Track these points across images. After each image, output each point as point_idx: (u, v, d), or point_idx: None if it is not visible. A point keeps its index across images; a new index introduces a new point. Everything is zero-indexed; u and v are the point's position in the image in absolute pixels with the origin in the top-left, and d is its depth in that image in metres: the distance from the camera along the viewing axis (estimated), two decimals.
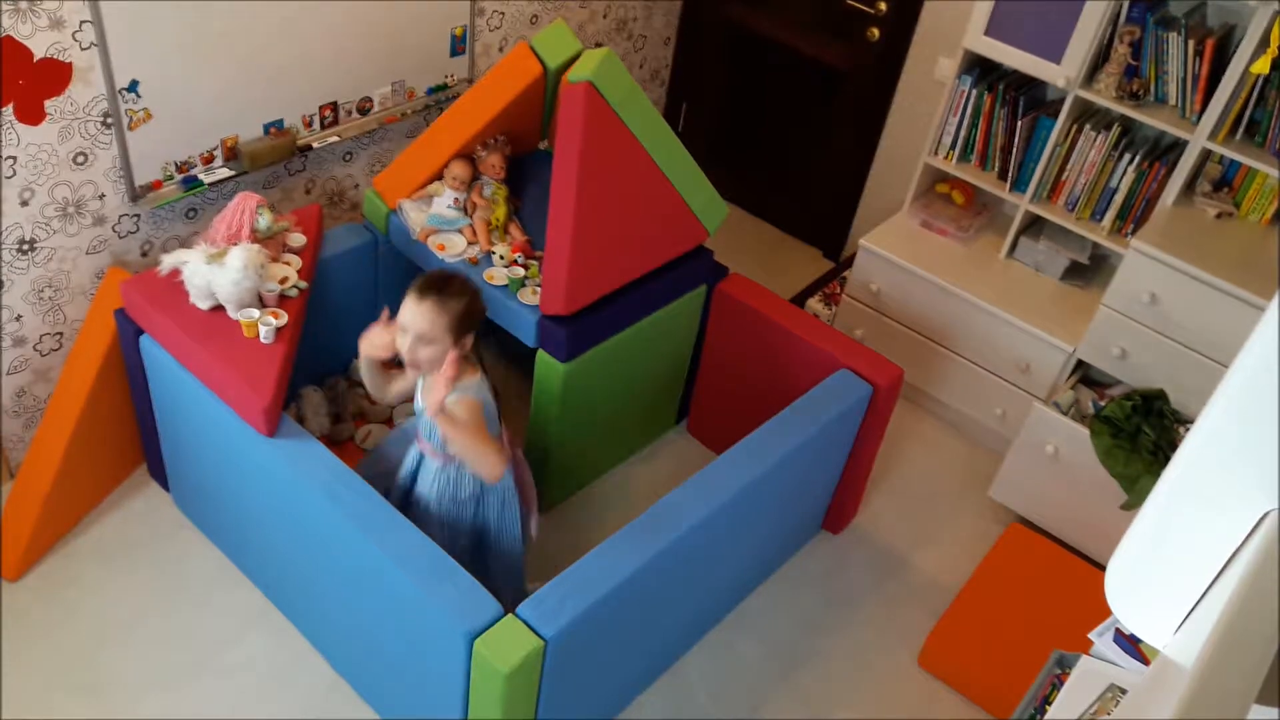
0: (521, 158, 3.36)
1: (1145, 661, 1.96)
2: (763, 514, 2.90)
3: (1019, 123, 3.46)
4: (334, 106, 3.26)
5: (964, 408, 3.75)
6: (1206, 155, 3.22)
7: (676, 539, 2.48)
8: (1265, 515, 1.19)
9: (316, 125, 3.25)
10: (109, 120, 2.76)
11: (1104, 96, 3.24)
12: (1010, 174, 3.55)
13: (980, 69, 3.52)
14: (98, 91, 2.70)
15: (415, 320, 2.36)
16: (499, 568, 2.77)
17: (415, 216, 3.09)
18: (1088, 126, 3.35)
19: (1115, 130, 3.32)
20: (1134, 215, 3.38)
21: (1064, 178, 3.47)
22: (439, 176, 3.12)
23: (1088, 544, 3.34)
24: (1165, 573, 1.34)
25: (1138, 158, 3.30)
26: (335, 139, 3.29)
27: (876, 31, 3.94)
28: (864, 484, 3.36)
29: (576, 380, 2.98)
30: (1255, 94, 3.04)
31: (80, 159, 2.76)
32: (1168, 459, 1.34)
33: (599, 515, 3.33)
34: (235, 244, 2.69)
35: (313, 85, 3.17)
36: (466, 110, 3.03)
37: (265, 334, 2.64)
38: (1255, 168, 3.10)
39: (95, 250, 2.93)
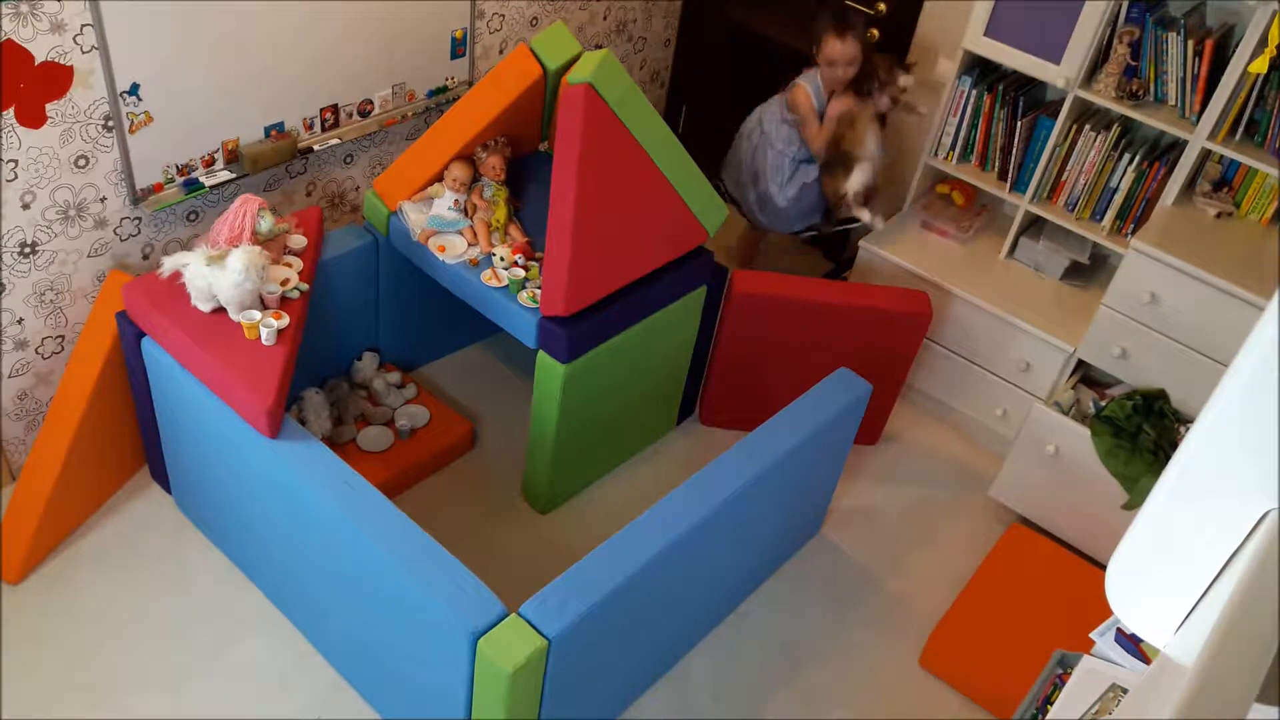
0: (521, 159, 3.36)
1: (1147, 661, 1.96)
2: (763, 513, 2.90)
3: (1019, 123, 3.46)
4: (334, 109, 3.27)
5: (964, 408, 3.76)
6: (1206, 155, 3.22)
7: (677, 539, 2.48)
8: (1265, 515, 1.20)
9: (317, 128, 3.26)
10: (110, 123, 2.76)
11: (1103, 97, 3.24)
12: (1010, 174, 3.55)
13: (980, 69, 3.52)
14: (99, 95, 2.70)
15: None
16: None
17: (415, 218, 3.10)
18: (1087, 127, 3.36)
19: (1115, 130, 3.33)
20: (1134, 215, 3.38)
21: (1064, 178, 3.47)
22: (439, 178, 3.13)
23: (1088, 544, 3.35)
24: (1166, 572, 1.35)
25: (1137, 158, 3.30)
26: (336, 141, 3.30)
27: (876, 32, 3.94)
28: (894, 399, 3.61)
29: (577, 381, 2.99)
30: (1255, 94, 3.05)
31: (81, 162, 2.76)
32: (1168, 459, 1.34)
33: (600, 516, 3.33)
34: (237, 246, 2.69)
35: (313, 88, 3.17)
36: (466, 112, 3.03)
37: (267, 336, 2.64)
38: (1255, 167, 3.11)
39: (96, 253, 2.94)
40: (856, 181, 3.46)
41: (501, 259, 3.02)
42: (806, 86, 3.53)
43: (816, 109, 3.53)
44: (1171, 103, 3.23)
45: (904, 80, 3.45)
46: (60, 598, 2.91)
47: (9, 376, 2.95)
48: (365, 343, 3.51)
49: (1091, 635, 2.01)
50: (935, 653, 3.06)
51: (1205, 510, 1.26)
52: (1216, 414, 1.20)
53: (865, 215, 3.54)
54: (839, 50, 3.39)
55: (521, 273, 2.98)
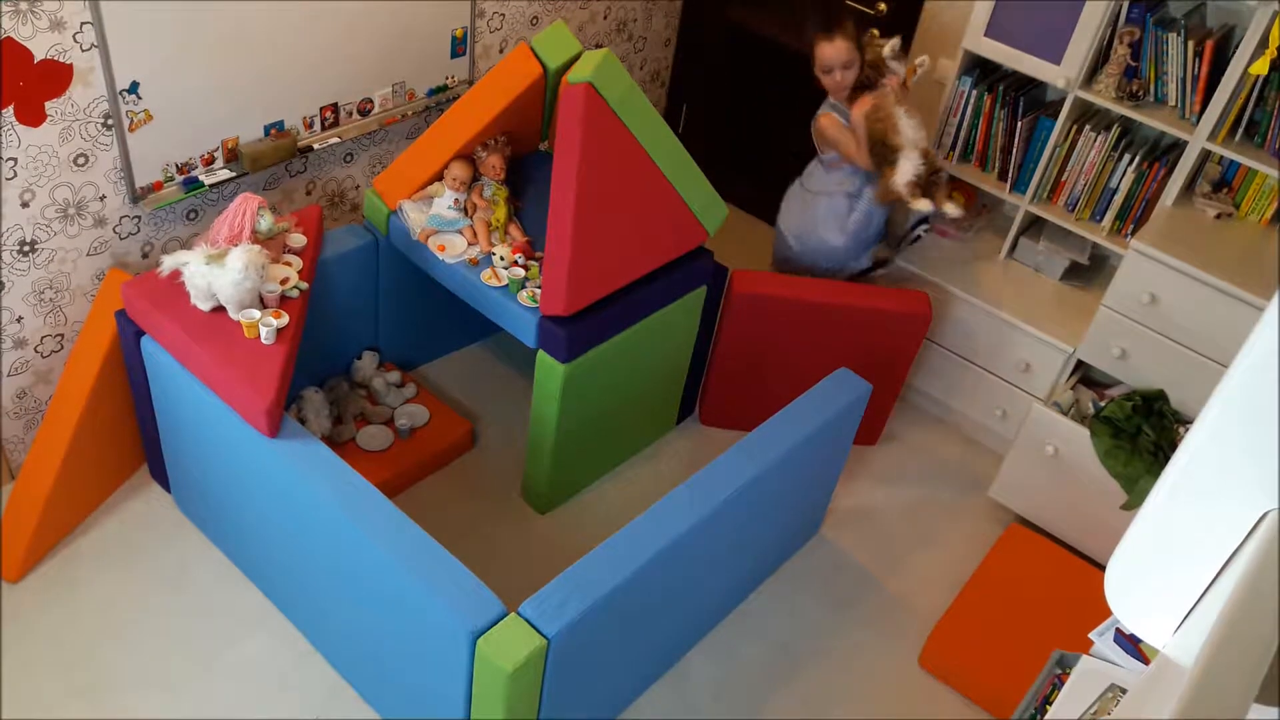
0: (522, 158, 3.36)
1: (1146, 661, 1.96)
2: (763, 513, 2.90)
3: (1019, 123, 3.46)
4: (334, 108, 3.27)
5: (964, 408, 3.76)
6: (1206, 156, 3.22)
7: (677, 538, 2.48)
8: (1265, 515, 1.20)
9: (317, 126, 3.26)
10: (109, 122, 2.76)
11: (1104, 97, 3.24)
12: (1010, 175, 3.55)
13: (980, 70, 3.52)
14: (98, 93, 2.70)
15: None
16: None
17: (415, 217, 3.10)
18: (1087, 127, 3.36)
19: (1115, 131, 3.33)
20: (1134, 216, 3.38)
21: (1064, 178, 3.47)
22: (439, 177, 3.13)
23: (1088, 544, 3.35)
24: (1165, 572, 1.35)
25: (1137, 158, 3.30)
26: (336, 140, 3.29)
27: (876, 32, 3.93)
28: (893, 399, 3.62)
29: (576, 381, 2.99)
30: (1255, 94, 3.05)
31: (81, 160, 2.76)
32: (1168, 459, 1.34)
33: (600, 515, 3.33)
34: (236, 245, 2.69)
35: (313, 86, 3.17)
36: (467, 111, 3.03)
37: (266, 335, 2.64)
38: (1255, 168, 3.11)
39: (96, 251, 2.94)
40: (906, 171, 3.20)
41: (501, 258, 3.02)
42: (829, 112, 3.38)
43: (846, 127, 3.37)
44: (1171, 103, 3.23)
45: (890, 47, 3.27)
46: (60, 597, 2.91)
47: (8, 375, 2.95)
48: (365, 342, 3.51)
49: (1090, 635, 2.02)
50: (935, 653, 3.06)
51: (1205, 510, 1.26)
52: (1216, 414, 1.20)
53: (924, 205, 3.22)
54: (830, 53, 3.28)
55: (521, 272, 2.98)
